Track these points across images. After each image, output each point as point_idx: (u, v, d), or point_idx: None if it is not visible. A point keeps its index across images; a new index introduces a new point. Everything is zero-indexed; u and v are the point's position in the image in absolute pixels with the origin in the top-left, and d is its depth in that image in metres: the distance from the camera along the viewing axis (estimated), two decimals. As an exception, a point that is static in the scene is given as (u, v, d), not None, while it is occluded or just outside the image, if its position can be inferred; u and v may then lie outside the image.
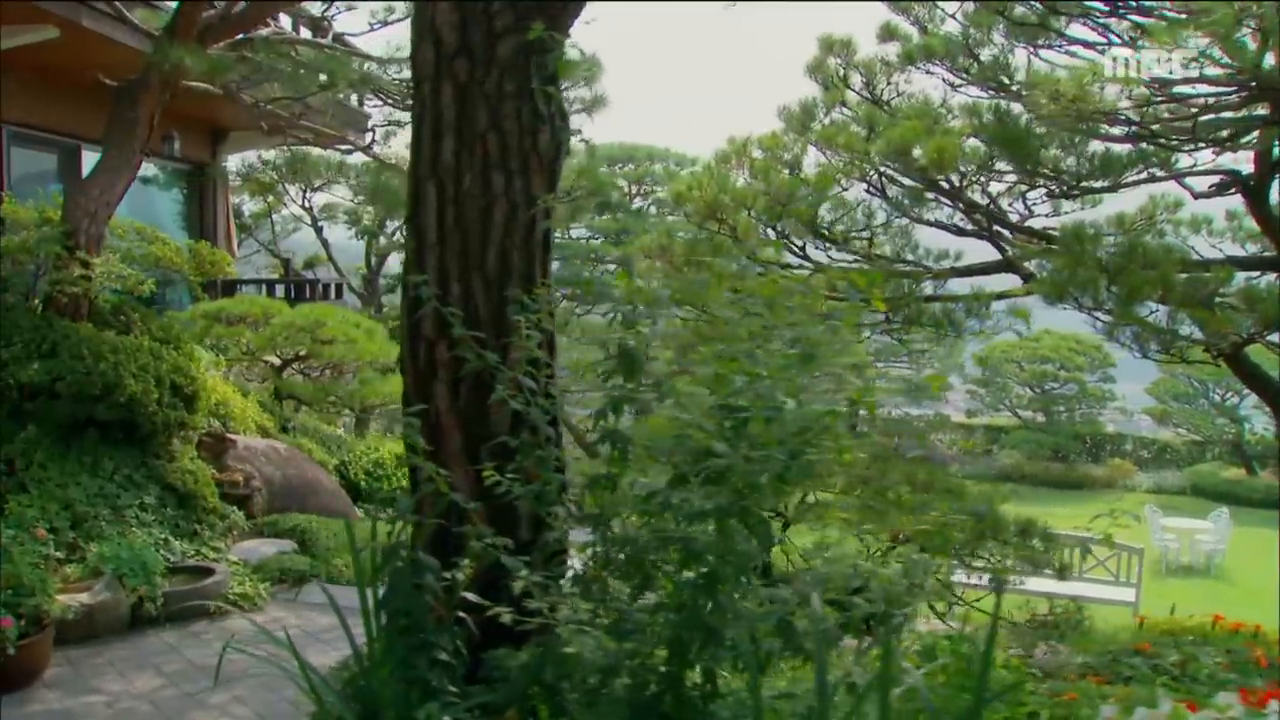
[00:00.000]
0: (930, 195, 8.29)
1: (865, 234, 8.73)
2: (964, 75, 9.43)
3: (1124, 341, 7.21)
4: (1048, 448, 26.69)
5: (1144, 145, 7.27)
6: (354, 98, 14.02)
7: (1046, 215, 10.61)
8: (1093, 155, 7.51)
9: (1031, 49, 8.13)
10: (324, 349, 12.99)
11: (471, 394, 3.97)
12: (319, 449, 12.46)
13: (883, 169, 8.33)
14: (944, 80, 9.84)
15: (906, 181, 9.26)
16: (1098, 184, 7.77)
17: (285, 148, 18.44)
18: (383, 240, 23.13)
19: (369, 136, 13.86)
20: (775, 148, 8.29)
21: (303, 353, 13.35)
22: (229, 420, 11.06)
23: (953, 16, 9.20)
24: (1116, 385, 28.63)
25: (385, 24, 11.18)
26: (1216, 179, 8.66)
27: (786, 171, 8.37)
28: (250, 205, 22.07)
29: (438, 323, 3.98)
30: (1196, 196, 9.95)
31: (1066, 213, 11.04)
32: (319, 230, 22.51)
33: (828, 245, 8.73)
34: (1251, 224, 10.84)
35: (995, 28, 9.16)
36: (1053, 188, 8.12)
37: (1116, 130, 7.01)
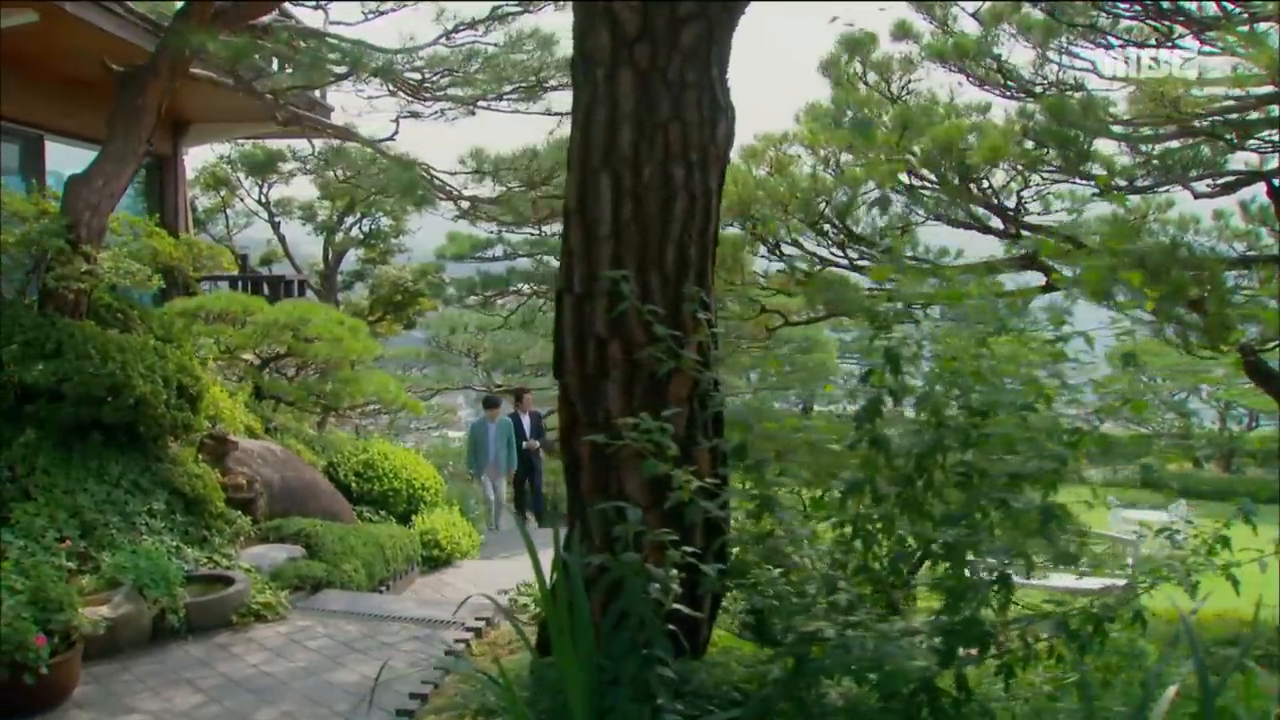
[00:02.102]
0: (974, 193, 8.27)
1: (891, 232, 8.70)
2: (980, 75, 9.46)
3: (1169, 338, 7.26)
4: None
5: (1199, 145, 7.34)
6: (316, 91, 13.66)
7: (1038, 214, 10.73)
8: (1163, 154, 7.55)
9: (1060, 50, 8.17)
10: (308, 347, 12.58)
11: (647, 396, 3.79)
12: (306, 450, 12.09)
13: (920, 168, 8.28)
14: (961, 80, 9.87)
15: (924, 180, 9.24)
16: (1145, 183, 7.83)
17: (240, 141, 17.87)
18: (340, 236, 22.59)
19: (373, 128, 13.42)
20: (815, 145, 8.19)
21: (284, 351, 12.92)
22: (219, 421, 10.65)
23: (973, 16, 9.20)
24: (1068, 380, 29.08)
25: (380, 14, 10.84)
26: (1231, 180, 8.78)
27: (820, 169, 8.29)
28: (203, 200, 21.36)
29: (611, 321, 3.79)
30: (1197, 197, 10.10)
31: (1054, 212, 11.17)
32: (276, 225, 21.91)
33: (856, 243, 8.68)
34: (1238, 223, 11.07)
35: (1004, 28, 9.25)
36: (1086, 186, 8.18)
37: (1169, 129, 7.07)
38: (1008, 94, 9.83)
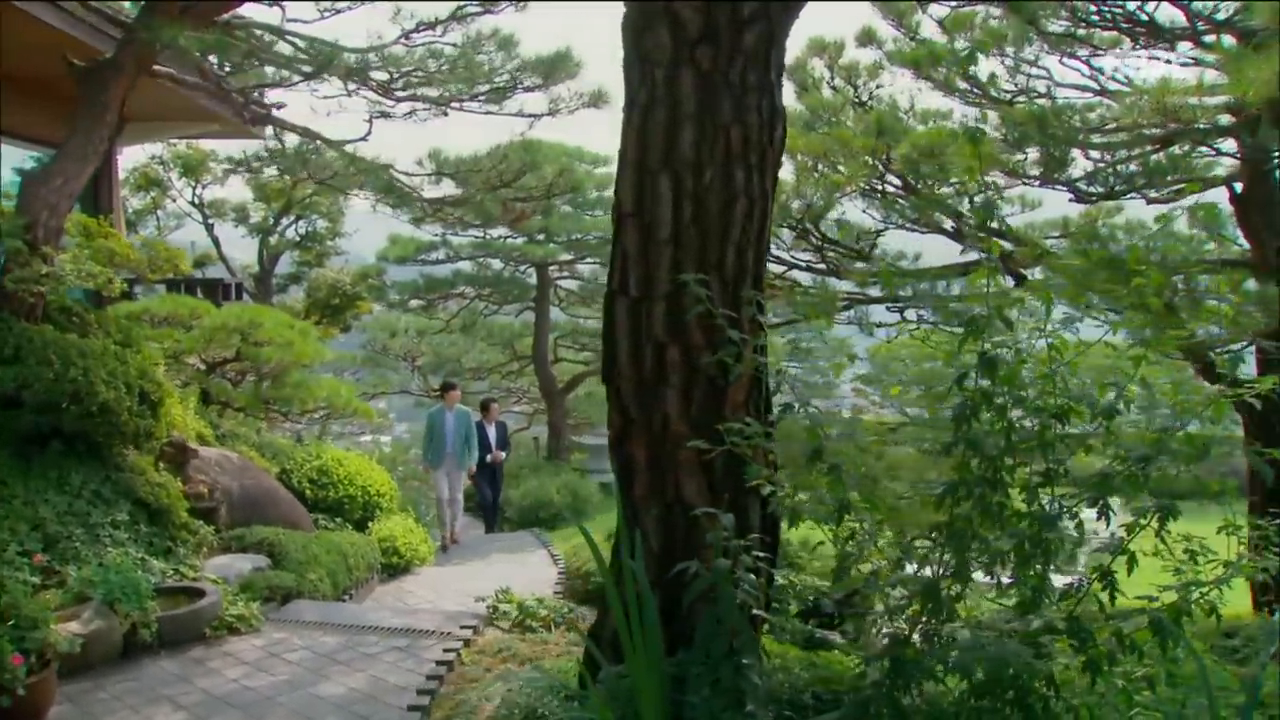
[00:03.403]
0: (950, 200, 8.39)
1: (866, 235, 8.79)
2: (943, 82, 9.59)
3: (1146, 340, 7.40)
4: (935, 442, 27.55)
5: (1175, 151, 7.55)
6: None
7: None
8: (1150, 161, 7.72)
9: (1020, 60, 8.35)
10: (258, 351, 12.28)
11: (706, 400, 3.74)
12: (259, 456, 11.79)
13: (892, 174, 8.37)
14: (920, 86, 10.00)
15: (890, 187, 9.35)
16: (1122, 189, 8.03)
17: (173, 141, 17.39)
18: (275, 238, 22.08)
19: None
20: (793, 150, 8.22)
21: (232, 355, 12.58)
22: (172, 428, 10.32)
23: (940, 23, 9.34)
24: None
25: (336, 12, 10.62)
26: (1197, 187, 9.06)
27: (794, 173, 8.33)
28: (133, 201, 20.67)
29: (670, 325, 3.73)
30: (1150, 202, 10.36)
31: (1008, 215, 11.38)
32: (210, 228, 21.31)
33: (831, 246, 8.75)
34: (1181, 227, 11.40)
35: (966, 36, 9.42)
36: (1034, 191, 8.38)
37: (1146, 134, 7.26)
38: (969, 101, 10.01)
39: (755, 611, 3.23)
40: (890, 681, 2.87)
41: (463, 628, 7.67)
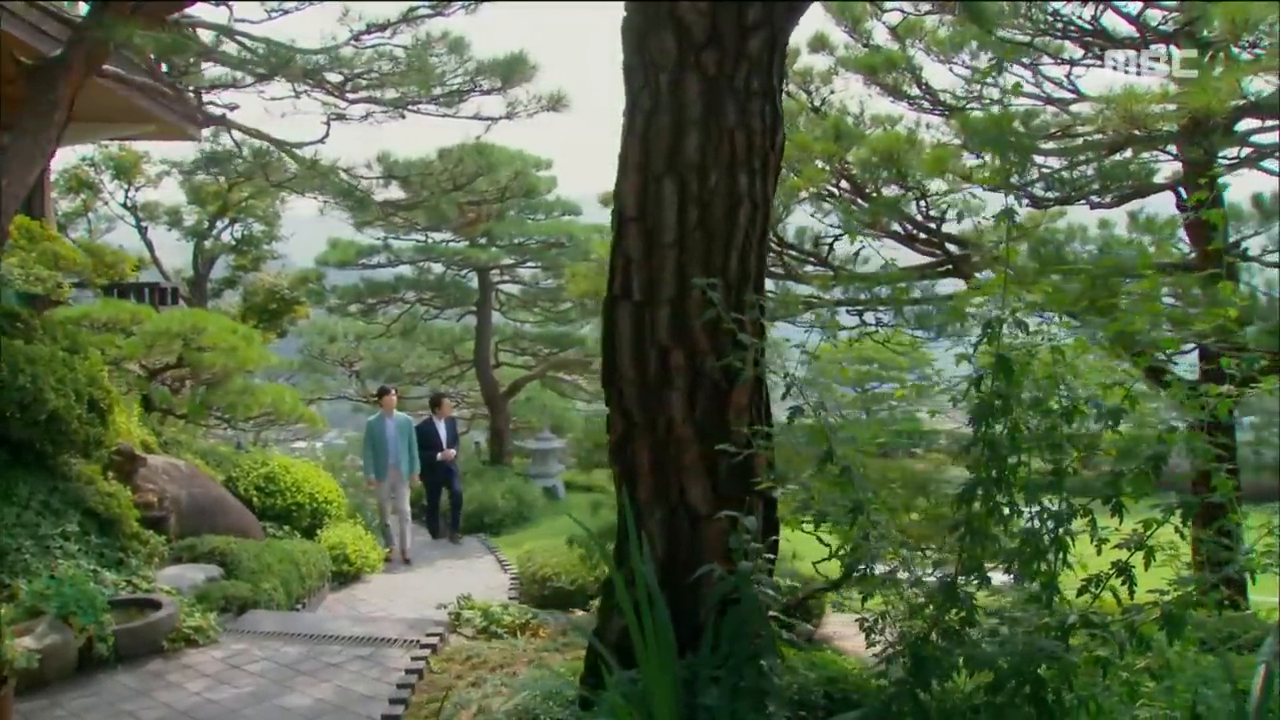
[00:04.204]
0: (909, 202, 8.53)
1: (822, 241, 8.90)
2: (891, 87, 9.76)
3: (1102, 343, 7.61)
4: (871, 444, 27.90)
5: (1125, 157, 7.78)
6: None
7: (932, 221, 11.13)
8: (1104, 166, 7.93)
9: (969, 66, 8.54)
10: (202, 357, 12.03)
11: (709, 403, 3.76)
12: (203, 464, 11.55)
13: (847, 179, 8.48)
14: (870, 93, 10.16)
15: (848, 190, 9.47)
16: (1075, 195, 8.24)
17: (104, 143, 16.97)
18: (210, 242, 21.61)
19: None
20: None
21: (174, 361, 12.30)
22: (119, 437, 10.07)
23: (891, 30, 9.50)
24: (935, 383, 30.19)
25: (284, 13, 10.46)
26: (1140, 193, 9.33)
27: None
28: (63, 204, 20.07)
29: (675, 329, 3.74)
30: (1094, 207, 10.64)
31: (948, 219, 11.59)
32: (143, 231, 20.77)
33: (786, 249, 8.84)
34: (1120, 231, 11.71)
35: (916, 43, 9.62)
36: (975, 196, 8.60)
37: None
38: (919, 108, 10.20)
39: (771, 613, 3.26)
40: (914, 678, 2.92)
41: (429, 635, 7.59)
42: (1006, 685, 2.87)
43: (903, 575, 3.15)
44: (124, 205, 20.63)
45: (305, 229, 23.45)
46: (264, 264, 22.23)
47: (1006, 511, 3.11)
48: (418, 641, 7.50)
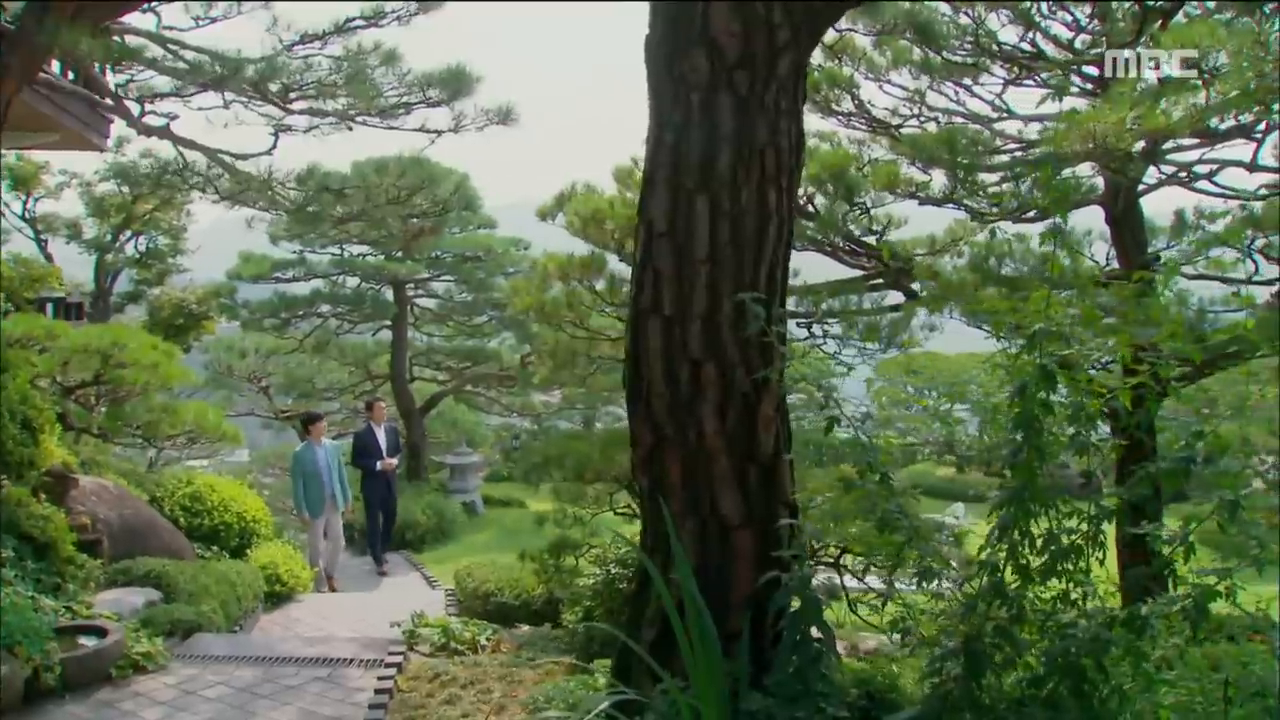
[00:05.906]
0: (856, 217, 8.74)
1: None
2: (824, 105, 10.01)
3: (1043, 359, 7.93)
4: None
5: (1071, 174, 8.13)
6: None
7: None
8: (1056, 183, 8.21)
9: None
10: (122, 374, 11.64)
11: (739, 415, 3.82)
12: (128, 484, 11.18)
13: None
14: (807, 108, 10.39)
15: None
16: (1016, 210, 8.56)
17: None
18: (112, 255, 20.82)
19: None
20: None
21: (91, 378, 11.87)
22: (49, 457, 9.68)
23: (827, 47, 9.74)
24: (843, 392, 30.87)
25: (212, 20, 10.23)
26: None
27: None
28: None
29: (707, 342, 3.80)
30: (1017, 222, 11.03)
31: (874, 232, 11.92)
32: (43, 244, 19.89)
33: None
34: (1034, 245, 12.15)
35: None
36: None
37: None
38: (851, 125, 10.46)
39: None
40: (969, 674, 3.03)
41: (391, 654, 7.47)
42: (1051, 679, 3.01)
43: (947, 580, 3.27)
44: (21, 217, 19.78)
45: (210, 241, 22.85)
46: (169, 278, 21.56)
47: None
48: (380, 661, 7.38)
